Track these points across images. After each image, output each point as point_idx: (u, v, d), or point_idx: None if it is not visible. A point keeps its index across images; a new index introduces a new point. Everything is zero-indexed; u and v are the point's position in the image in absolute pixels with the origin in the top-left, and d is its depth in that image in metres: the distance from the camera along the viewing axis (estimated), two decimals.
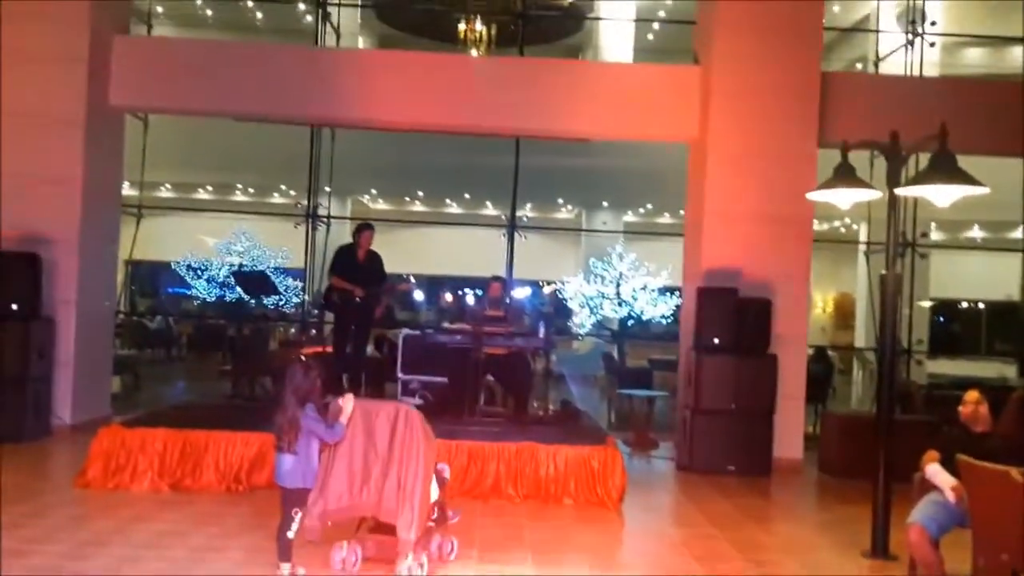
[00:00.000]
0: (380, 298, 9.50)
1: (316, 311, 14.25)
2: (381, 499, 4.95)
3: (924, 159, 5.62)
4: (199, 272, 20.01)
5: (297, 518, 4.79)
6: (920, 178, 5.25)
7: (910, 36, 12.61)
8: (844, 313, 23.50)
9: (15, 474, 7.34)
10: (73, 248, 9.42)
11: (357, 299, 9.21)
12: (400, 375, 9.50)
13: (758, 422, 8.94)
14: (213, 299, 20.22)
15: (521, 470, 7.16)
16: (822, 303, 25.41)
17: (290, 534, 4.77)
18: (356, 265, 9.40)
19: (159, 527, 5.89)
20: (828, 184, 6.15)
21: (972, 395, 5.15)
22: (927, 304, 17.67)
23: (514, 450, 7.21)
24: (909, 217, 12.20)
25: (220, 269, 19.66)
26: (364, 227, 9.69)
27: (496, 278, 9.62)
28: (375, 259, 9.54)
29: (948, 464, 4.84)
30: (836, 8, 17.05)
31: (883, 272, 5.98)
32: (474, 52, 18.75)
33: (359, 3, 18.38)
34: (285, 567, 4.77)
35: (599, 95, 10.14)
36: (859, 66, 17.42)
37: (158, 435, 7.08)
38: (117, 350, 13.21)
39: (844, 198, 6.18)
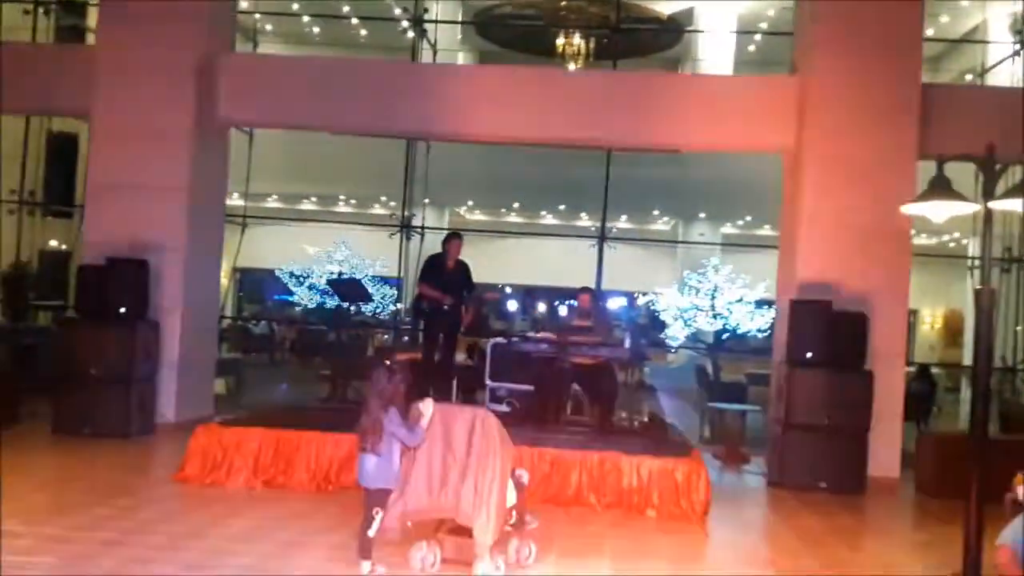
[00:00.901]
0: (468, 306, 9.64)
1: (409, 318, 14.52)
2: (459, 502, 5.05)
3: None
4: (301, 280, 20.60)
5: (378, 518, 4.92)
6: (1012, 191, 5.07)
7: (1018, 46, 12.15)
8: (953, 330, 22.64)
9: (119, 469, 7.76)
10: (180, 255, 9.85)
11: (445, 307, 9.37)
12: (488, 382, 9.59)
13: (852, 439, 8.70)
14: (315, 306, 20.77)
15: (604, 479, 7.15)
16: (931, 319, 24.55)
17: (371, 533, 4.91)
18: (445, 274, 9.56)
19: (250, 523, 6.12)
20: (923, 197, 5.99)
21: None
22: None
23: (597, 459, 7.21)
24: (1019, 231, 11.71)
25: (321, 277, 20.20)
26: (452, 236, 9.86)
27: (585, 289, 9.64)
28: (463, 268, 9.69)
29: None
30: (945, 19, 16.52)
31: (977, 287, 5.79)
32: (572, 66, 18.85)
33: (458, 20, 18.71)
34: (365, 565, 4.91)
35: (693, 107, 10.10)
36: (969, 77, 16.82)
37: (254, 434, 7.36)
38: (222, 353, 13.74)
39: (939, 212, 5.99)
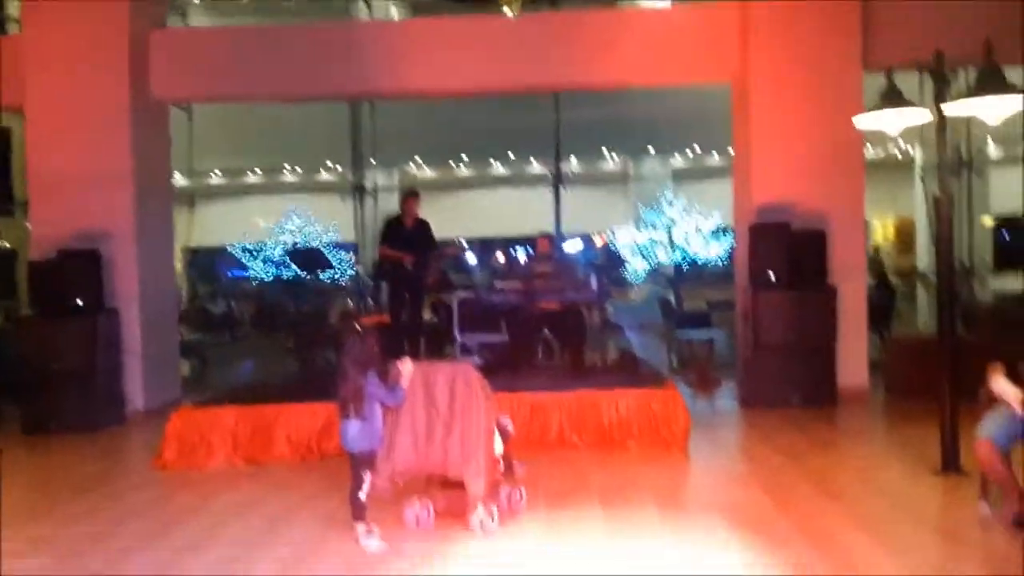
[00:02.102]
0: (431, 264, 9.59)
1: (371, 282, 14.44)
2: (447, 457, 5.08)
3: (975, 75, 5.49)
4: (255, 254, 20.35)
5: (367, 479, 4.92)
6: (968, 95, 5.12)
7: None
8: (905, 238, 22.96)
9: (96, 462, 7.65)
10: (130, 240, 9.64)
11: (408, 267, 9.31)
12: (457, 337, 9.58)
13: (820, 354, 8.86)
14: (271, 279, 20.56)
15: (583, 419, 7.23)
16: (882, 229, 24.84)
17: (362, 495, 4.90)
18: (405, 234, 9.48)
19: (237, 499, 6.09)
20: (876, 109, 6.05)
21: None
22: (989, 221, 17.25)
23: (575, 399, 7.28)
24: (964, 135, 11.85)
25: (275, 249, 19.98)
26: (409, 195, 9.77)
27: (543, 234, 9.62)
28: (423, 226, 9.62)
29: (1014, 378, 4.78)
30: None
31: (936, 193, 5.88)
32: (507, 11, 18.57)
33: None
34: (360, 527, 4.91)
35: (636, 42, 10.01)
36: None
37: (229, 413, 7.29)
38: (183, 335, 13.54)
39: (892, 122, 6.07)
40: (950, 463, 5.90)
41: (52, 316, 8.91)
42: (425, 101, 14.14)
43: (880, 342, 10.64)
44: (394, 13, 19.20)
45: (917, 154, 16.49)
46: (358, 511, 4.91)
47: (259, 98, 11.61)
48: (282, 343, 15.17)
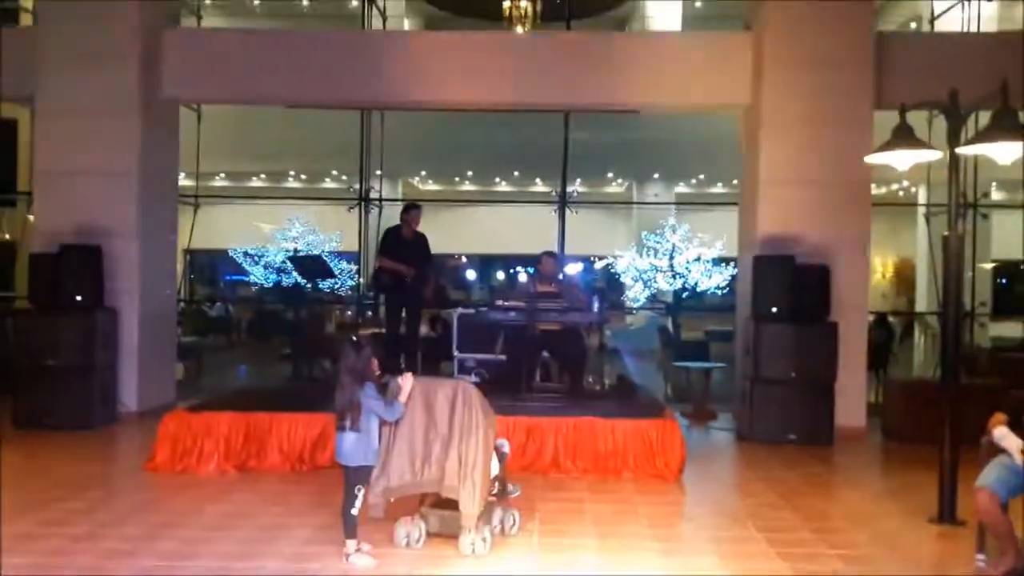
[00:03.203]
0: (429, 277, 9.57)
1: (370, 293, 14.37)
2: (443, 476, 5.01)
3: (984, 118, 5.49)
4: (256, 259, 20.28)
5: (360, 495, 4.86)
6: (982, 136, 5.11)
7: None
8: (904, 279, 22.99)
9: (87, 461, 7.58)
10: (133, 239, 9.63)
11: (407, 279, 9.28)
12: (456, 354, 9.52)
13: (819, 391, 8.80)
14: (270, 285, 20.49)
15: (579, 444, 7.17)
16: (882, 269, 24.89)
17: (354, 511, 4.84)
18: (404, 245, 9.46)
19: (227, 508, 6.02)
20: (887, 146, 6.03)
21: None
22: (989, 266, 17.27)
23: (572, 425, 7.22)
24: (969, 178, 11.85)
25: (276, 255, 19.92)
26: (411, 207, 9.76)
27: (548, 253, 9.52)
28: (422, 239, 9.62)
29: (1017, 428, 4.74)
30: None
31: (946, 233, 5.85)
32: (519, 29, 18.61)
33: None
34: (351, 544, 4.84)
35: (648, 66, 10.03)
36: (913, 25, 16.94)
37: (223, 419, 7.23)
38: (179, 337, 13.49)
39: (904, 160, 6.05)
40: (946, 512, 5.84)
41: (50, 311, 8.87)
42: (432, 114, 14.13)
43: (877, 383, 10.59)
44: (407, 25, 19.27)
45: (921, 194, 16.50)
46: (350, 527, 4.84)
47: (269, 102, 11.60)
48: (278, 350, 15.13)
